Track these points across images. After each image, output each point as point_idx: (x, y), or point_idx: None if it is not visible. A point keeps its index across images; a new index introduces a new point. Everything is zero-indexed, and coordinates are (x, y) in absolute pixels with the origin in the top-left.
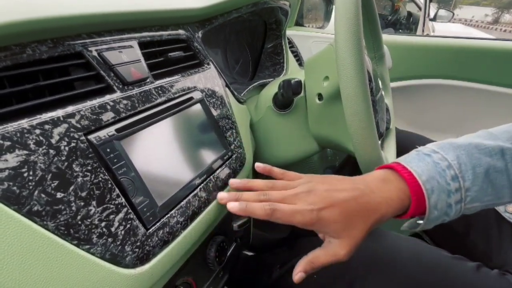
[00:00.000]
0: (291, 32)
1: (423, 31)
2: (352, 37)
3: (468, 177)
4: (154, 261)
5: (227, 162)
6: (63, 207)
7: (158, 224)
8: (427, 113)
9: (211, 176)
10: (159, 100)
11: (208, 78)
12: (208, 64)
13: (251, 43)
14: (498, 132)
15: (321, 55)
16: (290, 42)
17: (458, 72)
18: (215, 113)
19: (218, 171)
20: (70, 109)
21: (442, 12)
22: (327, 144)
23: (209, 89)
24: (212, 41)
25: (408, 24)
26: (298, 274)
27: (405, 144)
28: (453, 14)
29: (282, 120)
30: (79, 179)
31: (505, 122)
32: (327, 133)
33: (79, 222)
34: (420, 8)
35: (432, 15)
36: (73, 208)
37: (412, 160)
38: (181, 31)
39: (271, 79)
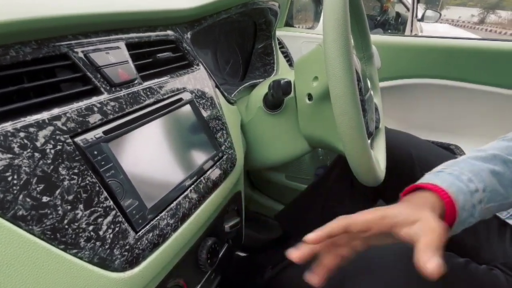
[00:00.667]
0: (281, 33)
1: (411, 31)
2: (340, 37)
3: (479, 179)
4: (143, 264)
5: (217, 163)
6: (49, 211)
7: (147, 226)
8: (416, 112)
9: (202, 177)
10: (147, 102)
11: (198, 79)
12: (198, 65)
13: (241, 44)
14: (486, 147)
15: (310, 55)
16: (280, 43)
17: (445, 71)
18: (205, 114)
19: (208, 172)
20: (55, 111)
21: (429, 12)
22: (317, 144)
23: (198, 90)
24: (202, 42)
25: (397, 25)
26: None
27: (395, 143)
28: (440, 14)
29: (273, 121)
30: (66, 183)
31: (492, 120)
32: (317, 133)
33: (66, 226)
34: (408, 9)
35: (420, 15)
36: (60, 212)
37: (429, 178)
38: (169, 32)
39: (262, 80)
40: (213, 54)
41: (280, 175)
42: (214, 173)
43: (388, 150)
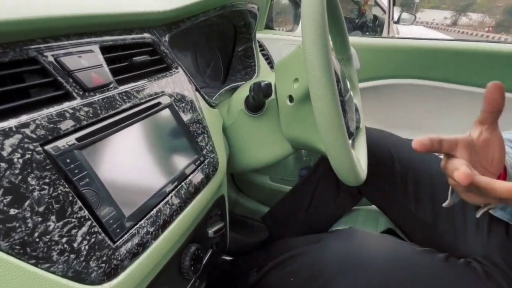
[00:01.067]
0: (262, 36)
1: (388, 33)
2: (319, 38)
3: None
4: (123, 275)
5: (199, 168)
6: (17, 224)
7: (126, 236)
8: (396, 111)
9: (183, 183)
10: (124, 106)
11: (177, 83)
12: (177, 68)
13: (222, 47)
14: None
15: (290, 57)
16: (260, 45)
17: (422, 71)
18: (185, 118)
19: (190, 177)
20: (24, 118)
21: (405, 15)
22: (300, 146)
23: (178, 93)
24: (181, 44)
25: (374, 27)
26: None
27: (376, 142)
28: (415, 17)
29: (255, 123)
30: (36, 193)
31: (467, 118)
32: (299, 134)
33: (37, 240)
34: (384, 12)
35: (396, 18)
36: (30, 225)
37: None
38: (146, 35)
39: (243, 82)
40: (193, 57)
41: (265, 177)
42: (196, 178)
43: (370, 149)
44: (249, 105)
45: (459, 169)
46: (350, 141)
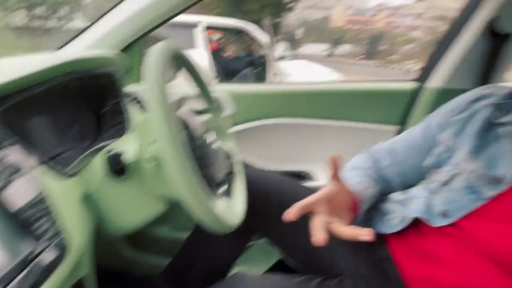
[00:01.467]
0: (138, 88)
1: (271, 70)
2: (160, 107)
3: None
4: None
5: (35, 261)
6: None
7: None
8: (277, 147)
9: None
10: None
11: (7, 163)
12: (10, 145)
13: (89, 103)
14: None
15: (147, 119)
16: (136, 98)
17: (297, 111)
18: (15, 205)
19: (20, 276)
20: None
21: (288, 52)
22: (171, 202)
23: (6, 177)
24: (29, 112)
25: (262, 64)
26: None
27: (253, 181)
28: (297, 53)
29: (120, 187)
30: None
31: (334, 148)
32: (167, 192)
33: None
34: (270, 50)
35: (280, 54)
36: None
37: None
38: None
39: (115, 139)
40: (51, 121)
41: (164, 228)
42: (31, 274)
43: (248, 189)
44: (110, 170)
45: (315, 237)
46: (225, 187)
